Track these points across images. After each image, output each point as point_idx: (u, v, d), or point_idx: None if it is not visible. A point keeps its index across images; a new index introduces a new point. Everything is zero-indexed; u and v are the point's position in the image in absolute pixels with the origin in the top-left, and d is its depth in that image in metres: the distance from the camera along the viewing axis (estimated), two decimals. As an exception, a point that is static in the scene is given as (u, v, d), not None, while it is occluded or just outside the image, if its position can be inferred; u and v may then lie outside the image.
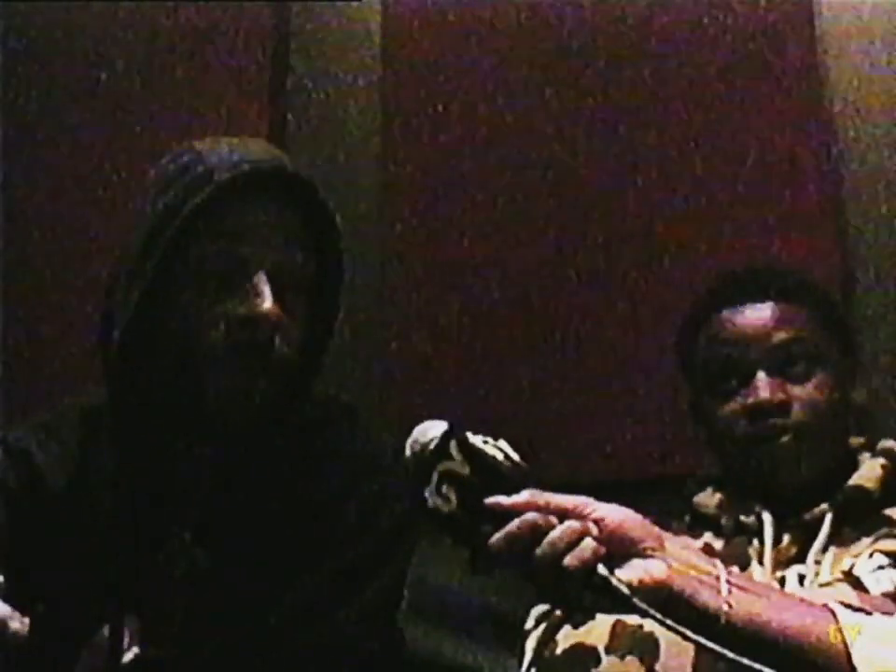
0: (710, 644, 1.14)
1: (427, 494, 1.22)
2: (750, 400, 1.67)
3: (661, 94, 2.38)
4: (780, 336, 1.70)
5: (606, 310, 2.32)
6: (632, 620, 1.51)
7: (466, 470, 1.22)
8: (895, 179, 2.28)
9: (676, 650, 1.47)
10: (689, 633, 1.15)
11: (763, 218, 2.30)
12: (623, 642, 1.51)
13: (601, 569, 1.18)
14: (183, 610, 1.44)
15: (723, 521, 1.69)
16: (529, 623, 1.65)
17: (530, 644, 1.61)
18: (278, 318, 1.43)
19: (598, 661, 1.51)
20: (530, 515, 1.19)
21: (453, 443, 1.23)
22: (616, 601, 1.18)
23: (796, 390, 1.68)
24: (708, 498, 1.73)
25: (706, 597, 1.19)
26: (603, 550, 1.19)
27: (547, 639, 1.58)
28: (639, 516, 1.25)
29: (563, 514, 1.20)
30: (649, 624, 1.48)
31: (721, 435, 1.71)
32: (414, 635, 1.92)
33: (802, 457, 1.66)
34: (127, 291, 1.45)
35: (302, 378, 1.51)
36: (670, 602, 1.18)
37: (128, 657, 1.41)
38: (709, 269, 2.14)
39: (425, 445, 1.23)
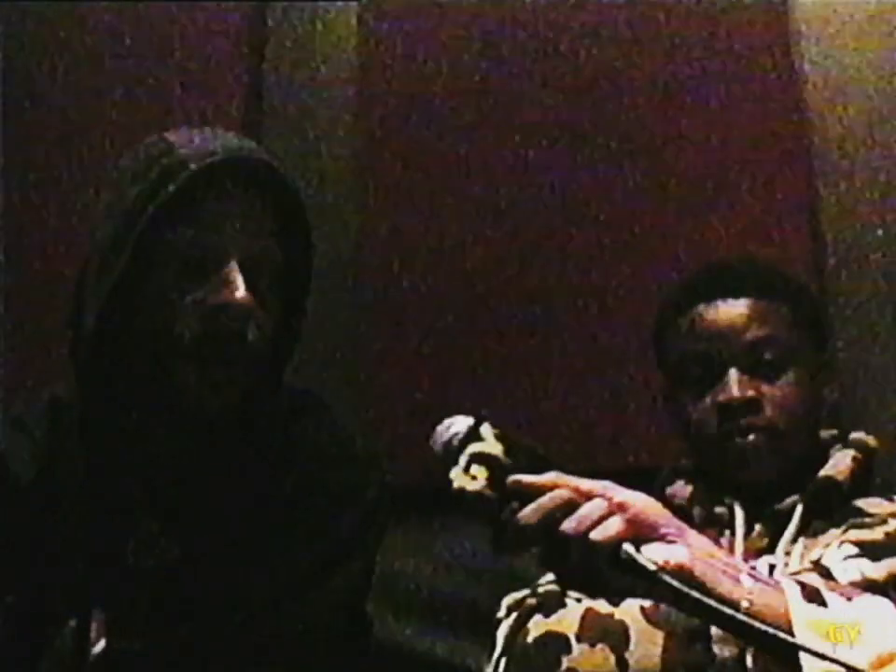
0: (739, 616, 1.17)
1: (452, 475, 1.25)
2: (721, 398, 1.67)
3: (640, 89, 2.39)
4: (753, 334, 1.69)
5: (587, 297, 2.32)
6: (603, 609, 1.52)
7: (498, 451, 1.26)
8: (871, 175, 2.28)
9: (646, 640, 1.48)
10: (718, 606, 1.17)
11: (739, 212, 2.31)
12: (594, 631, 1.51)
13: (627, 547, 1.20)
14: (151, 601, 1.44)
15: (695, 512, 1.69)
16: (501, 612, 1.65)
17: (501, 632, 1.61)
18: (251, 307, 1.43)
19: (569, 649, 1.51)
20: (560, 491, 1.22)
21: (486, 426, 1.28)
22: (642, 579, 1.20)
23: (768, 388, 1.68)
24: (680, 490, 1.73)
25: (727, 585, 1.21)
26: (629, 529, 1.21)
27: (518, 628, 1.58)
28: (660, 504, 1.27)
29: (588, 497, 1.22)
30: (619, 614, 1.50)
31: (692, 430, 1.71)
32: (386, 624, 1.94)
33: (772, 455, 1.66)
34: (98, 280, 1.45)
35: (273, 368, 1.51)
36: (692, 587, 1.19)
37: (96, 650, 1.41)
38: (691, 259, 2.17)
39: (454, 434, 1.27)
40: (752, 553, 1.61)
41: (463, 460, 1.25)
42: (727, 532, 1.65)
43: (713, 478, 1.71)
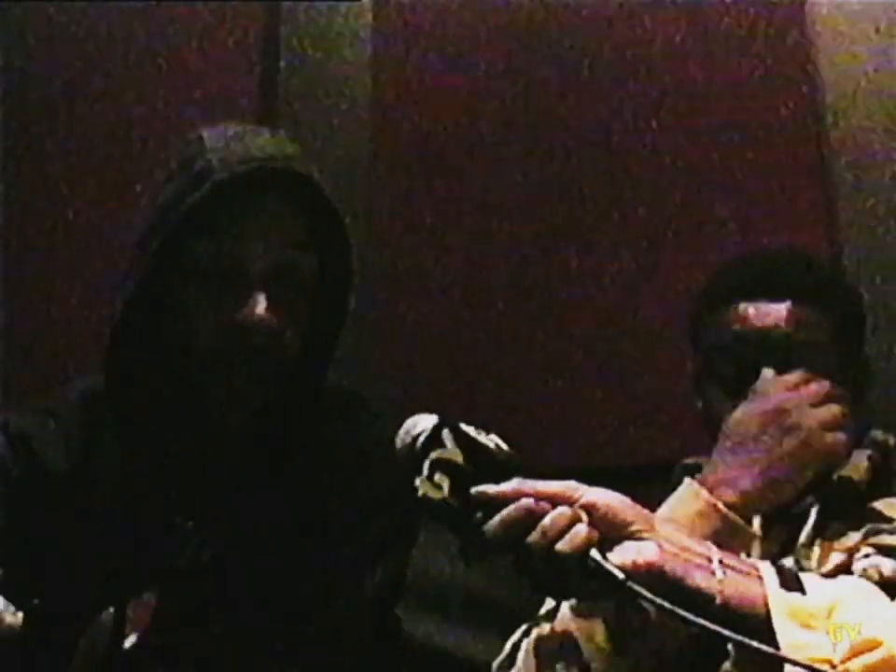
0: (708, 625, 1.14)
1: (417, 482, 1.22)
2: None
3: (655, 87, 2.41)
4: (791, 337, 1.68)
5: (598, 293, 2.34)
6: None
7: (459, 458, 1.23)
8: (887, 171, 2.30)
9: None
10: (685, 614, 1.15)
11: (754, 213, 2.33)
12: None
13: (594, 554, 1.18)
14: (183, 600, 1.44)
15: None
16: (523, 650, 1.64)
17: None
18: (272, 325, 1.42)
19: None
20: (524, 501, 1.20)
21: (446, 431, 1.25)
22: (610, 585, 1.18)
23: None
24: None
25: (698, 578, 1.20)
26: (595, 534, 1.19)
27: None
28: (628, 499, 1.25)
29: (552, 500, 1.20)
30: None
31: (718, 426, 1.68)
32: (414, 623, 1.94)
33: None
34: (125, 279, 1.44)
35: (312, 374, 1.50)
36: (663, 584, 1.18)
37: (128, 643, 1.41)
38: (706, 256, 2.18)
39: (416, 436, 1.24)
40: (767, 557, 1.59)
41: (426, 467, 1.23)
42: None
43: None
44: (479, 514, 1.20)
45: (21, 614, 1.25)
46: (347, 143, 2.46)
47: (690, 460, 1.77)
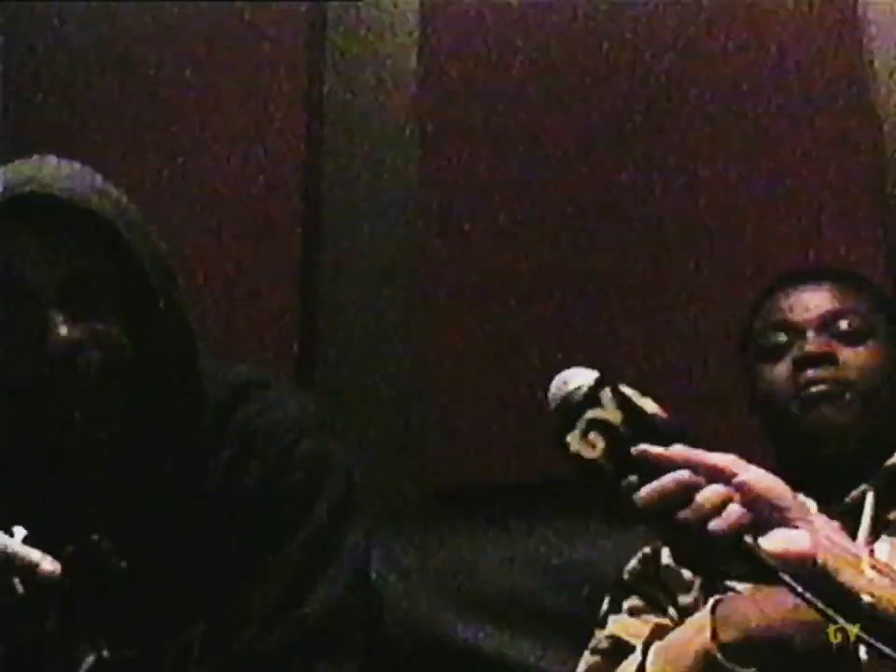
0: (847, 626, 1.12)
1: (569, 438, 1.20)
2: (797, 353, 1.67)
3: (704, 92, 2.35)
4: (834, 306, 1.71)
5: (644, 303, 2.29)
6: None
7: (618, 419, 1.20)
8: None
9: None
10: (830, 612, 1.13)
11: (807, 217, 2.26)
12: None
13: (747, 539, 1.16)
14: (106, 615, 1.40)
15: None
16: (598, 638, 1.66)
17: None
18: (75, 340, 1.39)
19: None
20: (680, 473, 1.17)
21: (605, 391, 1.22)
22: (758, 571, 1.16)
23: (845, 350, 1.68)
24: None
25: (848, 575, 1.17)
26: (748, 517, 1.16)
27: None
28: (784, 483, 1.22)
29: (711, 473, 1.18)
30: None
31: (767, 393, 1.70)
32: (456, 625, 1.92)
33: (844, 405, 1.64)
34: None
35: (182, 365, 1.46)
36: (813, 576, 1.15)
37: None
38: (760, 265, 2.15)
39: (572, 392, 1.22)
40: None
41: (581, 425, 1.20)
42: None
43: (784, 468, 1.66)
44: (632, 478, 1.18)
45: (58, 564, 1.21)
46: (393, 144, 2.43)
47: None
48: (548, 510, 2.02)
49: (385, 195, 2.40)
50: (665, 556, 1.66)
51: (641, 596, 1.68)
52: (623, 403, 1.21)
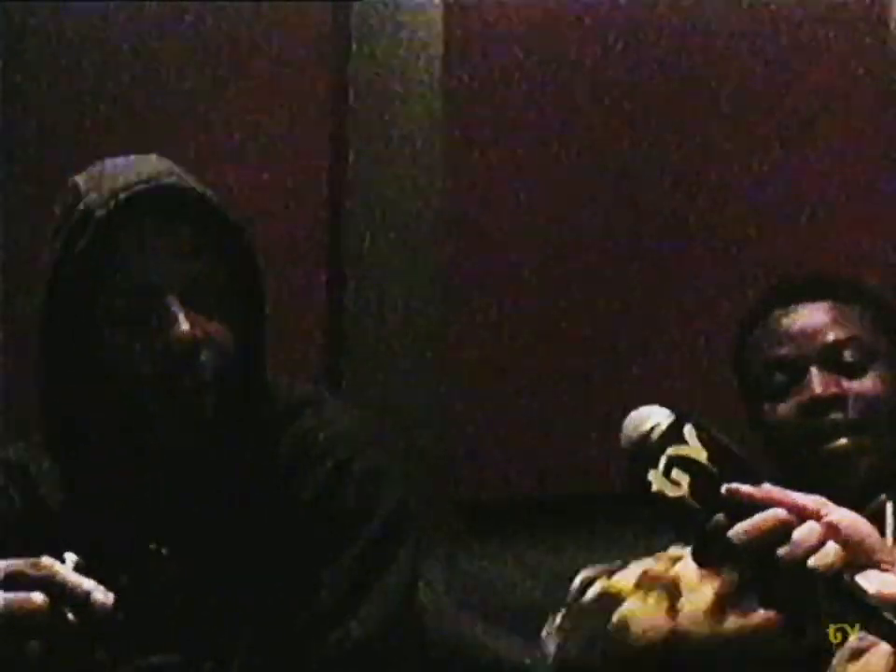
0: None
1: (651, 476, 1.19)
2: (804, 397, 1.63)
3: (730, 90, 2.36)
4: (834, 335, 1.66)
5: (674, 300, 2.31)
6: (660, 566, 1.52)
7: (702, 456, 1.19)
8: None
9: (698, 589, 1.46)
10: None
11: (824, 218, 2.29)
12: (648, 586, 1.50)
13: (847, 576, 1.15)
14: (164, 624, 1.42)
15: None
16: (574, 585, 1.63)
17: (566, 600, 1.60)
18: (197, 338, 1.40)
19: (621, 602, 1.50)
20: (776, 511, 1.16)
21: (688, 427, 1.20)
22: (856, 609, 1.15)
23: (852, 385, 1.64)
24: None
25: None
26: (844, 555, 1.15)
27: (580, 591, 1.58)
28: (868, 524, 1.22)
29: (800, 512, 1.17)
30: (673, 570, 1.49)
31: (775, 438, 1.67)
32: (483, 638, 1.92)
33: (863, 456, 1.62)
34: (42, 342, 1.45)
35: (254, 374, 1.48)
36: None
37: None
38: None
39: (651, 429, 1.20)
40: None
41: (663, 462, 1.19)
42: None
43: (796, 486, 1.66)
44: (720, 516, 1.17)
45: (111, 594, 1.19)
46: (420, 138, 2.42)
47: None
48: (574, 523, 2.04)
49: (411, 205, 2.39)
50: None
51: None
52: (708, 440, 1.20)
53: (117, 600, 1.18)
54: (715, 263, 2.31)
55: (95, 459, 1.47)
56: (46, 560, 1.18)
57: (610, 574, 1.56)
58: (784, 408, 1.65)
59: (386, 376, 2.32)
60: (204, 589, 1.43)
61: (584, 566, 1.92)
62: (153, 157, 1.49)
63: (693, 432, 1.20)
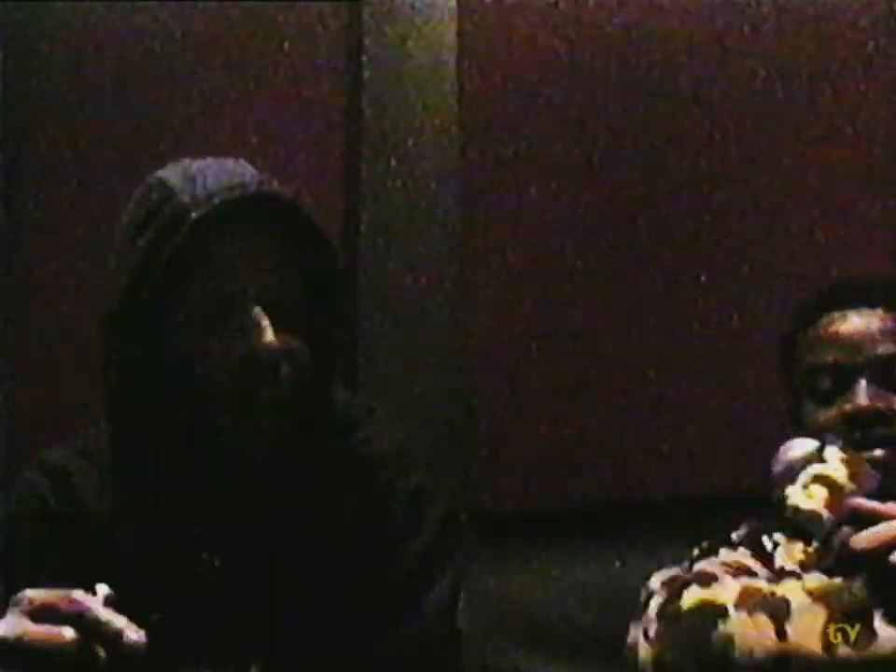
0: None
1: (789, 491, 1.38)
2: (848, 407, 1.64)
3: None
4: (885, 348, 1.68)
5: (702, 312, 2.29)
6: (763, 585, 1.50)
7: (841, 474, 1.37)
8: None
9: (808, 613, 1.44)
10: None
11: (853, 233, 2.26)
12: (753, 602, 1.47)
13: None
14: (216, 636, 1.40)
15: None
16: (653, 586, 1.60)
17: (655, 602, 1.56)
18: (279, 349, 1.39)
19: (726, 615, 1.47)
20: (891, 524, 1.30)
21: (830, 450, 1.40)
22: None
23: None
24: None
25: None
26: None
27: (673, 597, 1.54)
28: None
29: None
30: (780, 590, 1.48)
31: (813, 433, 1.65)
32: (503, 650, 1.92)
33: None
34: (119, 340, 1.42)
35: (321, 390, 1.47)
36: None
37: None
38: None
39: (798, 455, 1.40)
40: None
41: (803, 478, 1.36)
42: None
43: None
44: (846, 528, 1.32)
45: (143, 632, 1.18)
46: (435, 142, 2.40)
47: None
48: (594, 534, 2.03)
49: (426, 211, 2.37)
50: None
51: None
52: (849, 461, 1.36)
53: (148, 636, 1.17)
54: (732, 267, 2.29)
55: (154, 465, 1.45)
56: (78, 594, 1.17)
57: (702, 582, 1.54)
58: (827, 413, 1.66)
59: (403, 385, 2.30)
60: (251, 601, 1.42)
61: (609, 577, 1.93)
62: (240, 162, 1.48)
63: (836, 454, 1.37)
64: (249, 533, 1.43)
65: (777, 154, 2.30)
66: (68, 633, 1.14)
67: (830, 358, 1.69)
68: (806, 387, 1.71)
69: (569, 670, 1.95)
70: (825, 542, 1.32)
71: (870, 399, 1.64)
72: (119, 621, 1.16)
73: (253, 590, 1.42)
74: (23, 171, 2.45)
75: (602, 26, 2.39)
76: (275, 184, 1.44)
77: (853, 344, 1.68)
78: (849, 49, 2.31)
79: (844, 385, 1.67)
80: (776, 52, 2.33)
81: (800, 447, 1.37)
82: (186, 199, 1.39)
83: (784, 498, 1.33)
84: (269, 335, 1.38)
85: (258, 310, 1.39)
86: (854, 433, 1.62)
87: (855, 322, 1.70)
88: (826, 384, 1.68)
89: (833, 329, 1.71)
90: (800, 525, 1.34)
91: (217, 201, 1.38)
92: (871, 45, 2.30)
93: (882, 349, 1.68)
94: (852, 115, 2.29)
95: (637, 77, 2.36)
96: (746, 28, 2.35)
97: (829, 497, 1.33)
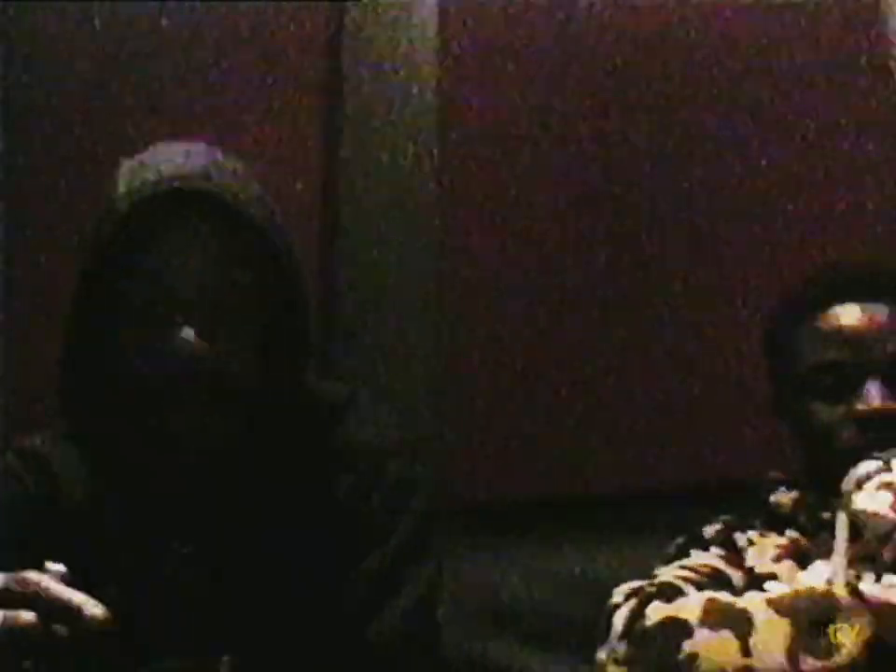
0: None
1: (855, 497, 1.47)
2: (860, 409, 1.61)
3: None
4: (894, 345, 1.64)
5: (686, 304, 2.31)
6: (726, 598, 1.49)
7: None
8: None
9: (771, 627, 1.42)
10: None
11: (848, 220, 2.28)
12: (717, 617, 1.45)
13: None
14: (188, 624, 1.40)
15: (801, 519, 1.65)
16: (617, 599, 1.59)
17: (619, 616, 1.54)
18: (203, 352, 1.37)
19: (690, 633, 1.45)
20: None
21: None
22: None
23: None
24: (784, 497, 1.68)
25: None
26: None
27: (637, 613, 1.53)
28: None
29: None
30: (742, 603, 1.46)
31: (817, 439, 1.66)
32: (480, 640, 1.92)
33: None
34: (67, 327, 1.42)
35: (287, 379, 1.46)
36: None
37: None
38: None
39: (869, 469, 1.49)
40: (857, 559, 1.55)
41: (870, 485, 1.45)
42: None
43: (822, 485, 1.64)
44: None
45: (103, 607, 1.13)
46: (413, 139, 2.41)
47: (775, 474, 1.75)
48: (570, 525, 2.04)
49: (405, 209, 2.37)
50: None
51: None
52: None
53: (112, 612, 1.13)
54: (716, 266, 2.31)
55: (119, 455, 1.45)
56: (32, 575, 1.13)
57: (665, 596, 1.54)
58: (831, 411, 1.64)
59: (381, 375, 2.30)
60: (222, 590, 1.42)
61: (580, 568, 1.94)
62: (199, 149, 1.44)
63: None
64: (220, 522, 1.43)
65: (769, 150, 2.32)
66: (26, 615, 1.11)
67: (836, 356, 1.65)
68: (806, 381, 1.67)
69: (542, 658, 1.96)
70: (885, 540, 1.41)
71: (882, 399, 1.61)
72: (77, 597, 1.12)
73: (224, 579, 1.42)
74: (23, 171, 2.44)
75: (584, 27, 2.41)
76: (225, 179, 1.41)
77: (860, 342, 1.64)
78: (840, 43, 2.33)
79: (850, 383, 1.63)
80: (763, 51, 2.35)
81: (869, 463, 1.46)
82: (122, 190, 1.38)
83: (849, 504, 1.42)
84: (190, 337, 1.37)
85: (184, 309, 1.37)
86: (868, 434, 1.60)
87: (861, 317, 1.65)
88: (830, 381, 1.64)
89: (837, 323, 1.66)
90: (862, 526, 1.45)
91: (136, 198, 1.37)
92: (862, 39, 2.33)
93: (891, 347, 1.64)
94: (848, 111, 2.31)
95: (623, 81, 2.38)
96: (734, 26, 2.37)
97: (894, 500, 1.43)
